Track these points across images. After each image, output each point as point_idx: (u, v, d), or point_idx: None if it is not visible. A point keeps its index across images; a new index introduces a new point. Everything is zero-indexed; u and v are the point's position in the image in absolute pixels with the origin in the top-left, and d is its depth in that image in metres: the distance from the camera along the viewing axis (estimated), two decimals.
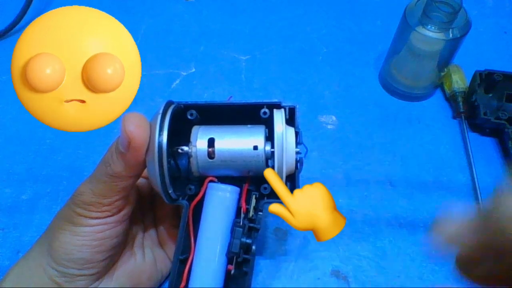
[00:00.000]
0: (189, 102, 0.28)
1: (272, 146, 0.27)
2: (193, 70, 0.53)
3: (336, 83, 0.53)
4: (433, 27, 0.43)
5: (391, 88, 0.51)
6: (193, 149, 0.27)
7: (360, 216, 0.42)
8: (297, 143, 0.27)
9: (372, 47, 0.56)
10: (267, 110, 0.28)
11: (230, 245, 0.27)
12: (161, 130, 0.26)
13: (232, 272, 0.27)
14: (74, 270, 0.28)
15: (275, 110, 0.28)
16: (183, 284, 0.27)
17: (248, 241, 0.27)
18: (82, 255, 0.28)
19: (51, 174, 0.44)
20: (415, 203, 0.43)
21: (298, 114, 0.29)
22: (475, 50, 0.56)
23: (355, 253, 0.40)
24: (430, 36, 0.43)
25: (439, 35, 0.43)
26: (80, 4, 0.60)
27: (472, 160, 0.45)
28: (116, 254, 0.31)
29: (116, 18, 0.58)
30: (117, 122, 0.48)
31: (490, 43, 0.57)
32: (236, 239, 0.26)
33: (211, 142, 0.27)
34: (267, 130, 0.28)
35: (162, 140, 0.25)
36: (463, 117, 0.48)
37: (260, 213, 0.28)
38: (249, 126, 0.28)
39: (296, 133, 0.28)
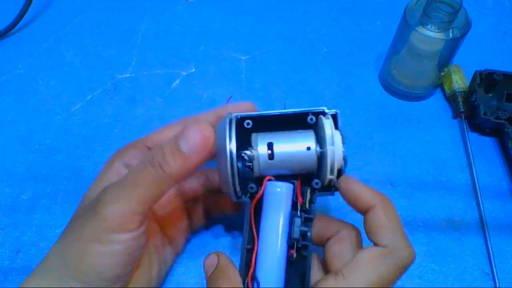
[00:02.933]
0: (244, 114, 0.32)
1: (321, 147, 0.31)
2: (193, 70, 0.53)
3: (336, 83, 0.53)
4: (433, 27, 0.43)
5: (391, 88, 0.51)
6: (255, 153, 0.31)
7: (360, 216, 0.42)
8: (343, 143, 0.31)
9: (372, 47, 0.56)
10: (313, 117, 0.32)
11: (290, 233, 0.30)
12: (230, 138, 0.30)
13: (294, 256, 0.31)
14: (104, 285, 0.27)
15: (322, 117, 0.32)
16: (251, 270, 0.30)
17: (305, 229, 0.30)
18: (115, 272, 0.27)
19: (51, 174, 0.44)
20: (415, 203, 0.43)
21: (340, 118, 0.33)
22: (475, 50, 0.56)
23: None
24: (430, 36, 0.43)
25: (439, 35, 0.43)
26: (83, 4, 0.60)
27: (472, 160, 0.45)
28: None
29: (116, 18, 0.59)
30: (116, 121, 0.48)
31: (490, 43, 0.57)
32: (296, 227, 0.30)
33: (270, 146, 0.31)
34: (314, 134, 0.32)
35: (232, 147, 0.30)
36: (463, 117, 0.48)
37: (313, 204, 0.32)
38: (299, 131, 0.33)
39: (341, 135, 0.32)
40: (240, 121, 0.32)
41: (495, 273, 0.39)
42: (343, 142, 0.31)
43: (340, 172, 0.32)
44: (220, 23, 0.59)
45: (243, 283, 0.30)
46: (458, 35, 0.43)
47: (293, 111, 0.33)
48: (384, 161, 0.46)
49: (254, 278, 0.30)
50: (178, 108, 0.50)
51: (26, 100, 0.50)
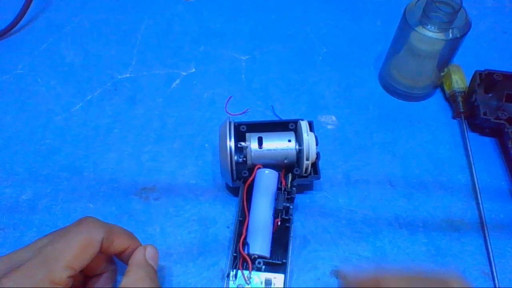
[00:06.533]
0: (240, 122, 0.41)
1: (300, 145, 0.39)
2: (193, 70, 0.54)
3: (336, 83, 0.53)
4: (433, 27, 0.43)
5: (391, 88, 0.51)
6: (249, 144, 0.40)
7: (360, 216, 0.42)
8: (316, 143, 0.39)
9: (372, 47, 0.56)
10: (293, 124, 0.42)
11: (275, 205, 0.38)
12: (230, 137, 0.38)
13: (279, 224, 0.38)
14: None
15: (300, 121, 0.40)
16: (242, 237, 0.37)
17: (288, 204, 0.37)
18: None
19: (51, 174, 0.44)
20: (414, 203, 0.43)
21: (313, 125, 0.42)
22: (475, 50, 0.56)
23: (355, 253, 0.40)
24: (430, 36, 0.43)
25: (439, 35, 0.43)
26: (83, 4, 0.60)
27: (472, 160, 0.45)
28: None
29: (116, 18, 0.59)
30: (116, 121, 0.48)
31: (490, 43, 0.57)
32: (280, 201, 0.37)
33: (260, 139, 0.40)
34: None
35: (231, 144, 0.38)
36: (463, 117, 0.48)
37: (294, 188, 0.39)
38: (283, 132, 0.41)
39: (316, 137, 0.40)
40: (237, 126, 0.41)
41: (495, 273, 0.39)
42: (317, 143, 0.39)
43: (315, 165, 0.40)
44: (220, 23, 0.59)
45: (236, 249, 0.36)
46: (458, 35, 0.43)
47: (278, 120, 0.44)
48: (384, 161, 0.46)
49: (245, 243, 0.37)
50: (178, 108, 0.50)
51: (26, 100, 0.50)
